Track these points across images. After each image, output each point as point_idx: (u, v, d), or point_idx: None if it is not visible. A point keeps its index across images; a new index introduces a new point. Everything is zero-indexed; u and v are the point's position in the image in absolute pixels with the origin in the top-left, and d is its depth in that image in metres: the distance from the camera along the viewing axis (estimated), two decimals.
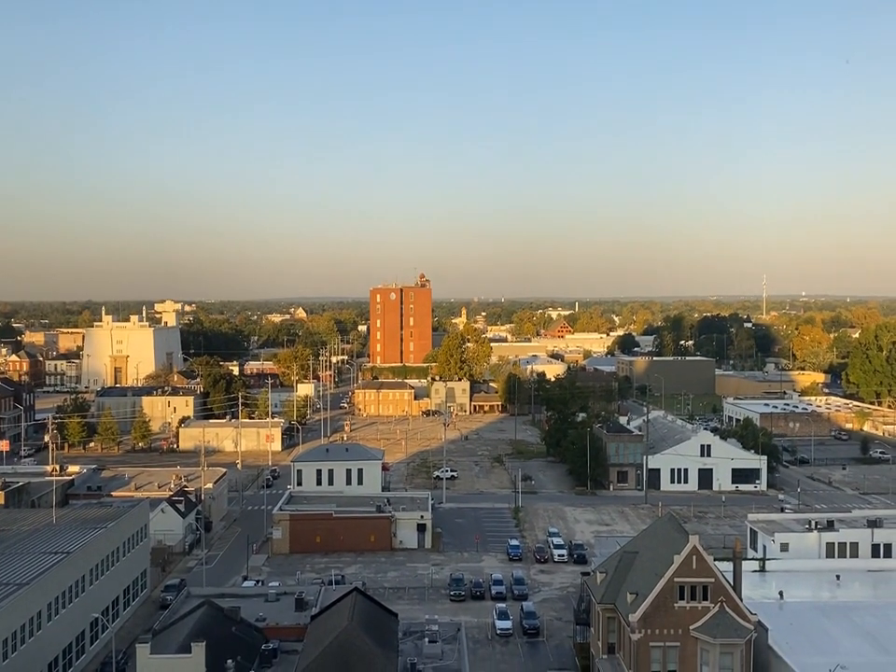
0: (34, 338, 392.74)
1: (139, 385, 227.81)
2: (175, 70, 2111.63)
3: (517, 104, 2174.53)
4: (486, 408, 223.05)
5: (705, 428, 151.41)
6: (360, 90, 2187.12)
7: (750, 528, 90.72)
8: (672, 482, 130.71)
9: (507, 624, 72.80)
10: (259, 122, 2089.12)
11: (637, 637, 53.67)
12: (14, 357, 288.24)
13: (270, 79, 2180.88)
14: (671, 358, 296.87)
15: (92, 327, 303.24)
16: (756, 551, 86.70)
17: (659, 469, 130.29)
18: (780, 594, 64.55)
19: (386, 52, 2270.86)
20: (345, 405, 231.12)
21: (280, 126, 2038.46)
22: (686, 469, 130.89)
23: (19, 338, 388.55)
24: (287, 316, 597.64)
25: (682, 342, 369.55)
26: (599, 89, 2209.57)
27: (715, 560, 56.21)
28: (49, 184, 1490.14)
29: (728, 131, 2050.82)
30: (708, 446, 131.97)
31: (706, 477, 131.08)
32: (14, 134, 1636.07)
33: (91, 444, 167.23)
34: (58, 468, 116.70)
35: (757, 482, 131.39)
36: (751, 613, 53.80)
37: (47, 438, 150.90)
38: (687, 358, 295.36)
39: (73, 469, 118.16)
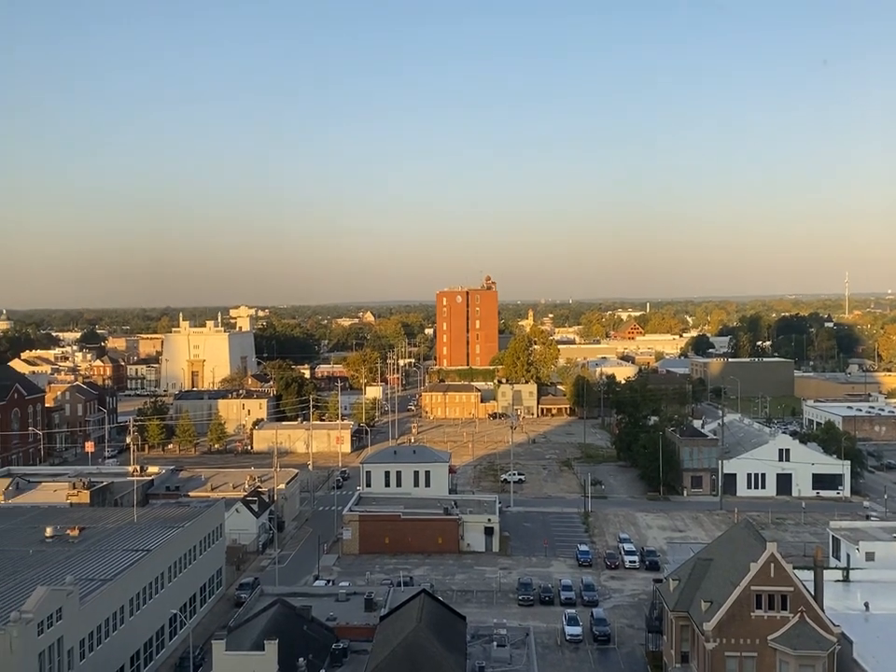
0: (116, 344, 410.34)
1: (215, 389, 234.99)
2: (269, 76, 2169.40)
3: (583, 106, 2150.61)
4: (554, 411, 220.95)
5: (783, 432, 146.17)
6: (425, 96, 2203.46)
7: (833, 536, 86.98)
8: (749, 487, 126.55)
9: (577, 630, 71.77)
10: (329, 131, 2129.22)
11: (712, 646, 52.10)
12: (98, 363, 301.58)
13: (340, 89, 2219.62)
14: (748, 360, 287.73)
15: (171, 332, 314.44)
16: (839, 560, 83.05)
17: (735, 474, 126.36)
18: (866, 605, 61.58)
19: (448, 61, 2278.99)
20: (412, 408, 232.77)
21: (350, 134, 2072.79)
22: (763, 475, 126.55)
23: (102, 344, 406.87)
24: (356, 320, 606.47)
25: (759, 342, 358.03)
26: (673, 83, 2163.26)
27: (794, 569, 54.08)
28: (130, 196, 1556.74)
29: (805, 124, 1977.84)
30: (787, 450, 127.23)
31: (784, 482, 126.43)
32: (95, 148, 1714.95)
33: (170, 446, 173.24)
34: (139, 468, 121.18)
35: (840, 488, 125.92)
36: (834, 625, 51.51)
37: (128, 439, 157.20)
38: (764, 360, 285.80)
39: (152, 469, 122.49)
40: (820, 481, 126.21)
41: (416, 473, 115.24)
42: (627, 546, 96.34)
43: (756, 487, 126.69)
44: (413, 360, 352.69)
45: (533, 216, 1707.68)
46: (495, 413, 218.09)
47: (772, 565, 51.89)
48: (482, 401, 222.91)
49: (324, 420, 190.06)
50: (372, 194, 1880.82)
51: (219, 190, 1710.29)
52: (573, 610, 76.06)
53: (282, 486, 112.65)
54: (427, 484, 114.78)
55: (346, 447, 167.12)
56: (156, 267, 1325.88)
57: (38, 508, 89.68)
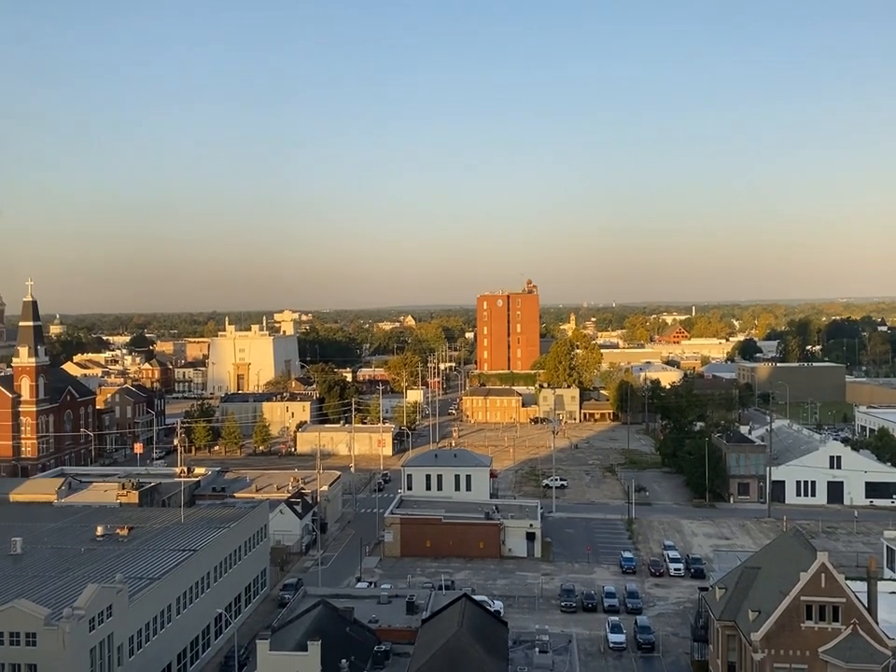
0: (164, 347, 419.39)
1: (260, 392, 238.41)
2: (303, 79, 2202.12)
3: (625, 104, 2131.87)
4: (597, 416, 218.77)
5: (834, 439, 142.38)
6: (464, 99, 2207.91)
7: (888, 546, 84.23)
8: (798, 495, 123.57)
9: (620, 638, 70.90)
10: (369, 134, 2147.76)
11: (760, 656, 50.93)
12: (147, 366, 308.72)
13: (378, 91, 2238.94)
14: (796, 364, 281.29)
15: (217, 336, 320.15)
16: (894, 571, 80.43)
17: (783, 482, 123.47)
18: None
19: (486, 65, 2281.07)
20: (453, 411, 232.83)
21: (388, 137, 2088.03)
22: (813, 482, 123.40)
23: (151, 347, 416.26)
24: (397, 324, 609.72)
25: (809, 347, 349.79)
26: (713, 82, 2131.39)
27: (847, 579, 52.61)
28: (173, 202, 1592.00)
29: (849, 121, 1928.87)
30: (838, 457, 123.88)
31: (835, 490, 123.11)
32: (142, 152, 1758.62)
33: (216, 447, 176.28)
34: (186, 469, 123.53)
35: (894, 496, 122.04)
36: (889, 638, 49.89)
37: (176, 441, 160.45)
38: (814, 364, 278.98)
39: (199, 470, 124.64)
40: (874, 489, 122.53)
41: (457, 477, 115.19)
42: (672, 553, 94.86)
43: (806, 495, 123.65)
44: (453, 364, 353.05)
45: (575, 218, 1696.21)
46: (536, 418, 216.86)
47: (823, 574, 50.56)
48: (523, 406, 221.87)
49: (366, 423, 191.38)
50: (413, 198, 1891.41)
51: (264, 195, 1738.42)
52: (617, 618, 75.18)
53: (325, 488, 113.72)
54: (468, 488, 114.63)
55: (388, 450, 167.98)
56: (202, 272, 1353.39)
57: (90, 507, 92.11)
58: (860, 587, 54.04)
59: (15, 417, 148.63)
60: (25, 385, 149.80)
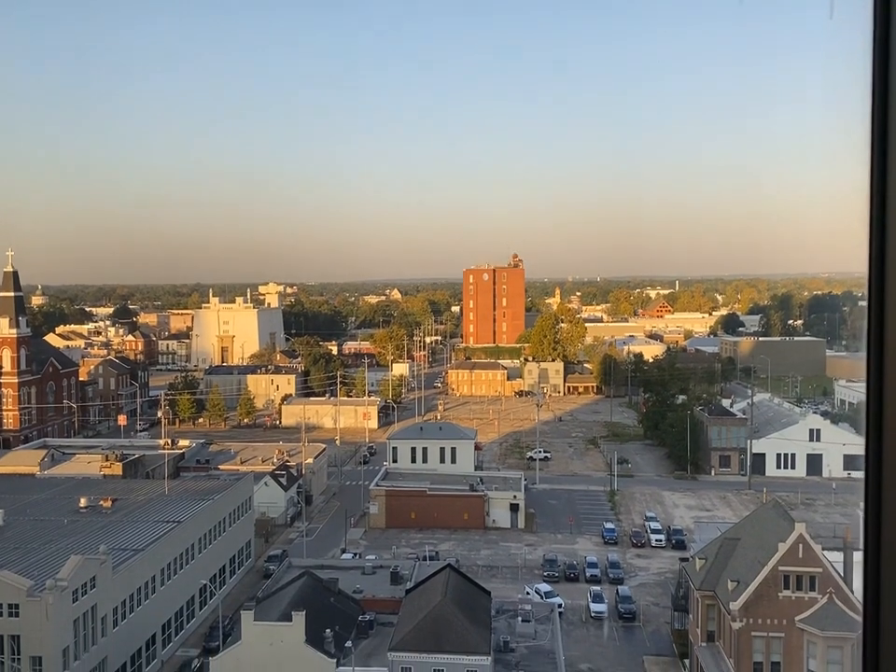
0: (148, 319, 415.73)
1: (244, 364, 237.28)
2: (285, 52, 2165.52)
3: (609, 74, 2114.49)
4: (581, 389, 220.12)
5: (814, 412, 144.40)
6: (449, 66, 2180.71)
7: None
8: (778, 467, 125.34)
9: (601, 607, 72.00)
10: (347, 104, 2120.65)
11: (739, 625, 51.89)
12: (130, 337, 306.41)
13: (363, 58, 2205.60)
14: (778, 339, 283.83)
15: (201, 308, 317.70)
16: None
17: (764, 454, 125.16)
18: None
19: (455, 26, 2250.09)
20: (439, 385, 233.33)
21: (370, 107, 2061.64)
22: (793, 455, 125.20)
23: (134, 319, 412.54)
24: (383, 297, 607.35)
25: (791, 321, 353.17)
26: (695, 49, 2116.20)
27: (824, 549, 53.53)
28: (160, 173, 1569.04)
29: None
30: (818, 430, 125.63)
31: (814, 463, 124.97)
32: (125, 120, 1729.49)
33: (200, 420, 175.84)
34: (170, 442, 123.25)
35: None
36: None
37: (160, 413, 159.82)
38: (795, 339, 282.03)
39: (183, 443, 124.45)
40: (852, 461, 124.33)
41: (442, 450, 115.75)
42: (653, 524, 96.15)
43: (785, 467, 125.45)
44: (439, 338, 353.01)
45: (561, 192, 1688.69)
46: (521, 391, 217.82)
47: (800, 545, 51.40)
48: (508, 379, 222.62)
49: (351, 396, 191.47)
50: (400, 170, 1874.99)
51: (248, 167, 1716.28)
52: (598, 588, 76.28)
53: (310, 461, 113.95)
54: (453, 461, 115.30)
55: (373, 423, 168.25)
56: (186, 243, 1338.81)
57: (73, 479, 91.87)
58: (836, 557, 55.03)
59: None
60: (7, 357, 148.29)
